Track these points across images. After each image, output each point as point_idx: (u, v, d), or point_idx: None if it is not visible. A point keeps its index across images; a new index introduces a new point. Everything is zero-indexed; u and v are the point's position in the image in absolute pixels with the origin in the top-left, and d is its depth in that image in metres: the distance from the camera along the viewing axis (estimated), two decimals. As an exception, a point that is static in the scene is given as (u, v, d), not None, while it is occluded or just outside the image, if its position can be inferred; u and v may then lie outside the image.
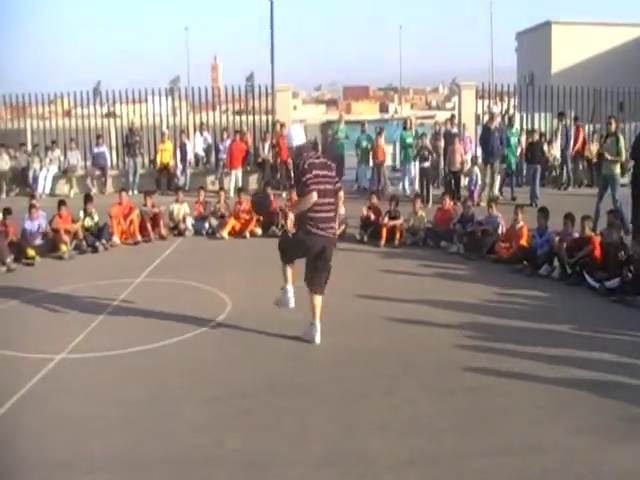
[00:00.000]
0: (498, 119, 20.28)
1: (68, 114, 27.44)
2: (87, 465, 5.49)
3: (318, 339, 8.02)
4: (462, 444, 5.73)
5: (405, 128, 20.93)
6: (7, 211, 13.22)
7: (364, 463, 5.46)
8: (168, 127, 23.48)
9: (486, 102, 23.25)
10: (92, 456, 5.64)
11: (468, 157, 20.58)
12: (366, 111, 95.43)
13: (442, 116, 40.44)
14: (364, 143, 21.45)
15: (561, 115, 21.81)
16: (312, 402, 6.64)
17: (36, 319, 9.35)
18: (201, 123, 23.29)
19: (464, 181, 19.94)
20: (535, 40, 51.03)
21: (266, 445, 5.79)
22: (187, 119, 24.56)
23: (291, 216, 7.58)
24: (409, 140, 20.35)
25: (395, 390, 6.84)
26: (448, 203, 14.43)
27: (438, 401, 6.60)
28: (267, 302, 8.20)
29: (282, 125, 21.47)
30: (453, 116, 22.83)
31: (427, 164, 19.45)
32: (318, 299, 8.00)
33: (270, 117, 23.47)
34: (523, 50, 54.79)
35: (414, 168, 20.60)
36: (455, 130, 21.34)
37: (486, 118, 20.73)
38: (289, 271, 8.11)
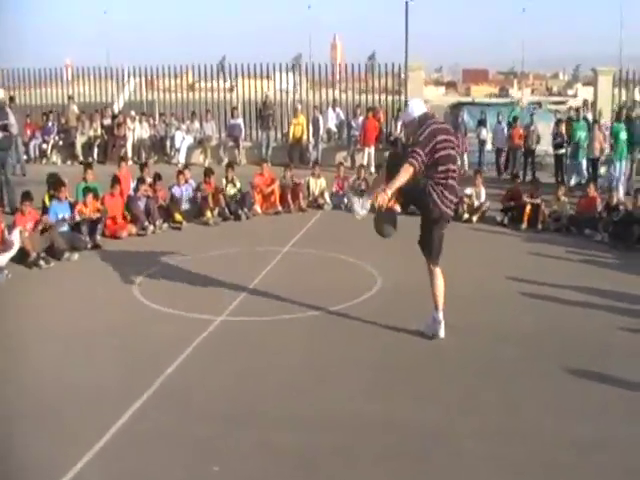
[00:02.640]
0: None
1: (192, 87, 28.09)
2: (263, 421, 5.69)
3: (443, 333, 7.47)
4: (636, 430, 5.64)
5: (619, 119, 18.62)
6: (158, 176, 13.69)
7: (536, 441, 5.44)
8: (301, 102, 23.68)
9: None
10: (266, 413, 5.84)
11: (606, 145, 19.89)
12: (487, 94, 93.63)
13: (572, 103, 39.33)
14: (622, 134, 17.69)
15: None
16: (475, 376, 6.66)
17: (194, 280, 9.65)
18: (334, 99, 23.44)
19: (602, 169, 19.32)
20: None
21: (435, 416, 5.84)
22: (316, 96, 24.66)
23: (388, 193, 6.91)
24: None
25: (556, 372, 6.76)
26: (593, 190, 14.03)
27: (603, 386, 6.46)
28: (416, 278, 8.06)
29: (415, 104, 21.30)
30: (586, 101, 22.16)
31: (562, 151, 18.90)
32: (439, 284, 7.44)
33: (402, 96, 23.35)
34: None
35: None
36: (590, 116, 20.69)
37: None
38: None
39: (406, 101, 22.19)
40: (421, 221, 7.54)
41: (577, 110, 20.36)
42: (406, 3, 24.30)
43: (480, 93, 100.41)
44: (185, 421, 5.72)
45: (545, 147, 20.68)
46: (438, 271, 7.50)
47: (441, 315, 7.49)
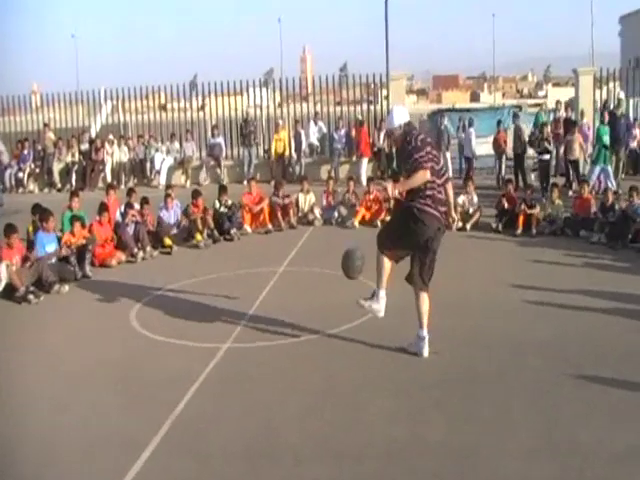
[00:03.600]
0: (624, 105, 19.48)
1: (164, 108, 27.77)
2: (291, 457, 5.37)
3: (427, 352, 7.25)
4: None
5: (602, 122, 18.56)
6: (145, 200, 13.33)
7: (579, 456, 5.21)
8: (282, 118, 23.40)
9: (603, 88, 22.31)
10: (292, 446, 5.51)
11: (588, 145, 19.76)
12: (458, 100, 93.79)
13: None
14: (605, 138, 17.75)
15: None
16: (505, 391, 6.43)
17: (193, 307, 9.34)
18: (315, 112, 23.22)
19: (583, 169, 19.17)
20: (641, 23, 49.24)
21: (470, 436, 5.59)
22: (290, 110, 24.43)
23: (395, 192, 6.76)
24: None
25: (586, 381, 6.56)
26: (587, 191, 13.91)
27: (636, 395, 6.25)
28: None
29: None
30: (559, 102, 22.17)
31: (547, 156, 18.59)
32: (425, 303, 7.25)
33: (381, 106, 23.21)
34: (627, 34, 52.95)
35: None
36: (573, 117, 20.61)
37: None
38: (386, 270, 7.26)
39: (389, 111, 21.99)
40: (415, 255, 7.28)
41: (602, 113, 19.78)
42: (385, 14, 24.17)
43: (451, 99, 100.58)
44: (205, 463, 5.34)
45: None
46: (426, 296, 7.30)
47: (425, 332, 7.28)
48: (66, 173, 22.31)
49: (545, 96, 77.50)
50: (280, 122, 22.42)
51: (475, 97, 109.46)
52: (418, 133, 7.15)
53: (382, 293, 7.32)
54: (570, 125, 19.34)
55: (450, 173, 20.52)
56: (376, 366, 7.19)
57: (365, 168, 20.62)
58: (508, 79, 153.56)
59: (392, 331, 7.92)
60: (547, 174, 18.42)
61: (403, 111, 7.42)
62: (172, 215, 13.60)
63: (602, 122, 18.35)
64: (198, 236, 13.30)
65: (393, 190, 6.73)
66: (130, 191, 13.92)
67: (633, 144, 20.51)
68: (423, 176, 6.74)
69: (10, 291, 10.04)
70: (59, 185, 22.19)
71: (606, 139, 17.50)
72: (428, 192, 6.96)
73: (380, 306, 7.32)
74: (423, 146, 6.94)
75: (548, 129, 18.98)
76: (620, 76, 23.01)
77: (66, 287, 10.54)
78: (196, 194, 14.00)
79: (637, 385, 6.45)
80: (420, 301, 7.27)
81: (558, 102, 22.46)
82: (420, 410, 6.11)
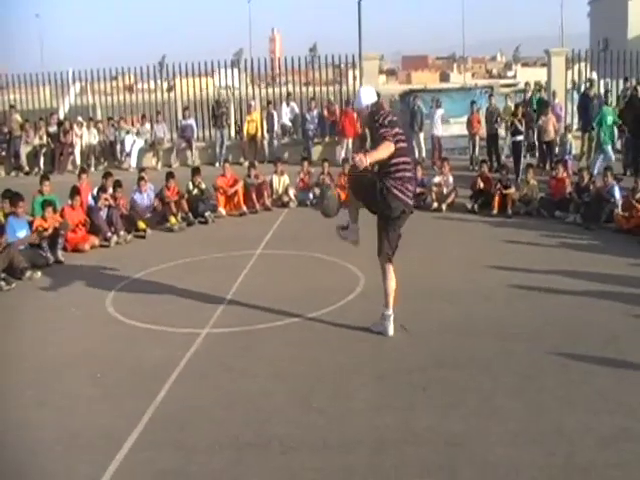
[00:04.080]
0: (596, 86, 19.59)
1: (130, 89, 27.36)
2: (279, 446, 5.25)
3: (392, 331, 7.34)
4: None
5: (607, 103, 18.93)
6: (117, 184, 13.05)
7: (566, 441, 5.17)
8: (254, 99, 23.15)
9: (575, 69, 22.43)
10: (279, 436, 5.39)
11: (560, 125, 19.80)
12: (427, 81, 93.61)
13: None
14: (609, 118, 17.81)
15: (626, 80, 20.94)
16: (488, 377, 6.35)
17: (170, 291, 9.18)
18: (288, 93, 23.01)
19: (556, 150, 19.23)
20: (610, 5, 49.48)
21: (456, 423, 5.51)
22: (262, 91, 24.20)
23: (366, 162, 6.52)
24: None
25: (569, 365, 6.53)
26: (562, 171, 13.90)
27: (621, 376, 6.26)
28: (403, 276, 7.63)
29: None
30: (531, 83, 22.26)
31: (520, 137, 18.51)
32: (392, 281, 7.29)
33: (356, 87, 23.05)
34: (597, 15, 53.21)
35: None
36: (546, 98, 20.66)
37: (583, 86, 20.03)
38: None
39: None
40: (381, 224, 7.32)
41: (606, 94, 19.93)
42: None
43: (421, 80, 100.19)
44: (189, 454, 5.20)
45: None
46: (391, 269, 7.33)
47: (390, 311, 7.32)
48: (34, 156, 21.83)
49: (514, 76, 77.69)
50: (252, 103, 22.17)
51: (445, 77, 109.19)
52: (386, 113, 7.13)
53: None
54: (543, 107, 19.41)
55: (423, 154, 20.65)
56: (359, 350, 7.10)
57: (346, 149, 20.43)
58: (477, 59, 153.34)
59: (374, 313, 7.83)
60: (519, 155, 18.40)
61: (370, 91, 7.41)
62: (146, 198, 13.37)
63: (606, 103, 18.56)
64: (172, 219, 13.12)
65: (364, 159, 6.60)
66: (107, 175, 13.51)
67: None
68: (388, 147, 6.76)
69: (-20, 278, 9.80)
70: (27, 169, 21.72)
71: (610, 119, 17.74)
72: (398, 174, 7.02)
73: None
74: (391, 126, 6.96)
75: (520, 110, 18.95)
76: (591, 57, 23.08)
77: (38, 273, 10.32)
78: (170, 176, 13.79)
79: (620, 365, 6.45)
80: (386, 277, 7.32)
81: (527, 84, 22.51)
82: (405, 397, 6.02)
